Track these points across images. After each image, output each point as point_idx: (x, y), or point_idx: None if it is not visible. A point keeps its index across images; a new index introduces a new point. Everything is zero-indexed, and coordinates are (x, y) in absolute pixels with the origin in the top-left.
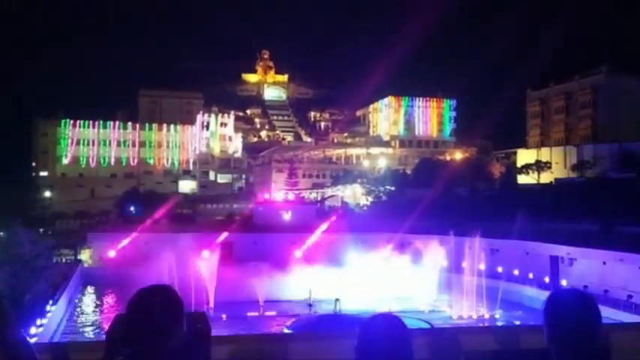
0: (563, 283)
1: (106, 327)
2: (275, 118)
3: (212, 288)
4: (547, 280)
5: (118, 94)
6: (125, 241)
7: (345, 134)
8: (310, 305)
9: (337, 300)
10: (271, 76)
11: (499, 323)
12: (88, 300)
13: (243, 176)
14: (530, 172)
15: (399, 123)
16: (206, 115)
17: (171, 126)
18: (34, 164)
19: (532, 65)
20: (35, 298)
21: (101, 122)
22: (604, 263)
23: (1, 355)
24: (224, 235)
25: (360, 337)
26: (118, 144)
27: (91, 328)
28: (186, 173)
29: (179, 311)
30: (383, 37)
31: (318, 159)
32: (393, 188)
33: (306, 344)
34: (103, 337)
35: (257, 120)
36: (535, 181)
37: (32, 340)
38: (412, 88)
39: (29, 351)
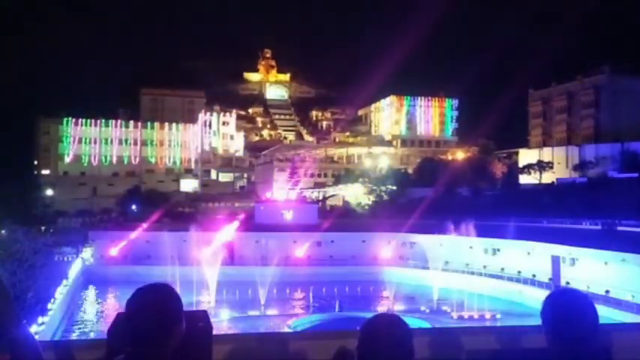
0: (565, 283)
1: (108, 325)
2: (277, 117)
3: (213, 286)
4: (548, 279)
5: (120, 93)
6: (127, 240)
7: (347, 133)
8: (312, 305)
9: (338, 299)
10: (273, 75)
11: (500, 323)
12: (90, 298)
13: (245, 175)
14: (532, 172)
15: (400, 122)
16: (208, 113)
17: (173, 124)
18: (36, 162)
19: (534, 65)
20: (36, 296)
21: (103, 121)
22: (605, 263)
23: (5, 351)
24: (225, 233)
25: (362, 336)
26: (120, 142)
27: (92, 326)
28: (188, 172)
29: (178, 310)
30: (385, 37)
31: (319, 158)
32: (394, 188)
33: (308, 343)
34: (105, 335)
35: (259, 119)
36: (537, 181)
37: None
38: (414, 88)
39: (34, 348)
